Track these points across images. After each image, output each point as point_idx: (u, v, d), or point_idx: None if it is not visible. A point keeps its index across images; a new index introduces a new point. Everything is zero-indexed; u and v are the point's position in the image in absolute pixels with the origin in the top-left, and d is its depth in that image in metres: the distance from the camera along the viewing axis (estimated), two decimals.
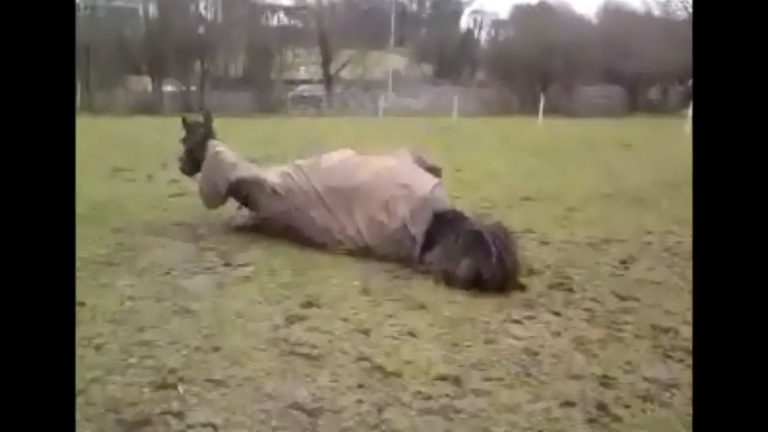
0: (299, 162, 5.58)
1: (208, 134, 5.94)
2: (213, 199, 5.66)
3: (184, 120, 6.28)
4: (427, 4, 58.47)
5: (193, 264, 4.69)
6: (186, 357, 3.13)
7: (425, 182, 4.95)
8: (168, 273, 4.46)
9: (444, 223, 4.62)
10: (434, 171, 5.41)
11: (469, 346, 3.35)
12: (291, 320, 3.64)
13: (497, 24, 50.86)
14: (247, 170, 5.57)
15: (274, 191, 5.24)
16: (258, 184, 5.36)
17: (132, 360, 3.08)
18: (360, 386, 2.89)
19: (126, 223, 5.90)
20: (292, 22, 38.05)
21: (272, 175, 5.41)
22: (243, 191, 5.49)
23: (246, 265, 4.68)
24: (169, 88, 29.14)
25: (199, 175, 5.88)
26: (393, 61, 41.25)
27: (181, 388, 2.82)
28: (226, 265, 4.69)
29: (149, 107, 26.95)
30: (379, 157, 5.39)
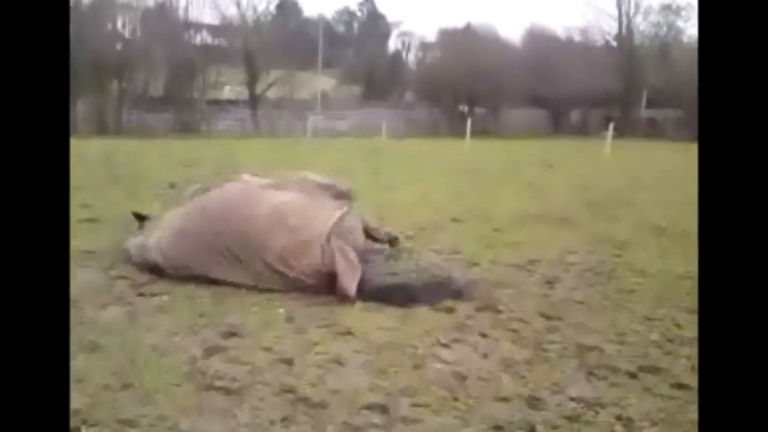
0: (192, 194, 5.33)
1: None
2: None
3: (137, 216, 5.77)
4: (355, 25, 59.17)
5: (103, 294, 4.40)
6: (92, 397, 2.89)
7: (323, 220, 4.64)
8: (74, 305, 4.14)
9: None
10: (343, 196, 5.14)
11: (396, 372, 3.26)
12: (210, 352, 3.44)
13: (425, 46, 51.99)
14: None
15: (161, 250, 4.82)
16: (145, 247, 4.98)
17: None
18: (284, 420, 2.74)
19: None
20: (217, 41, 37.40)
21: (155, 236, 4.97)
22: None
23: (161, 294, 4.43)
24: (83, 107, 27.53)
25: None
26: (321, 82, 41.26)
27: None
28: (140, 295, 4.42)
29: None
30: (273, 192, 4.96)
